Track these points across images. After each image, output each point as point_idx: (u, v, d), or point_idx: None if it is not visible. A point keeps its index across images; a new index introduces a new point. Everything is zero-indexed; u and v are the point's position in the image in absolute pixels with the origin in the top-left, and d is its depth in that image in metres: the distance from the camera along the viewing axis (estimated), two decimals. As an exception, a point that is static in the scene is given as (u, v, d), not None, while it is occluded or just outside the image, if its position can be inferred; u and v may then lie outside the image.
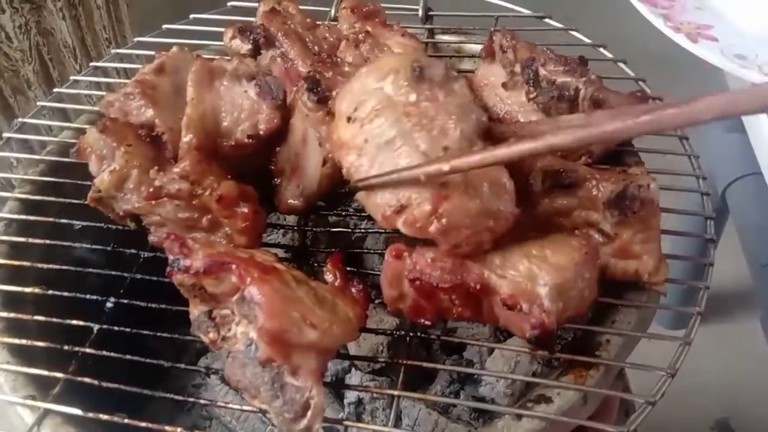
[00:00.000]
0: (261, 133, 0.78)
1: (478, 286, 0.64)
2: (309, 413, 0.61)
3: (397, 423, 0.83)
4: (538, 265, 0.63)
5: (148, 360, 0.71)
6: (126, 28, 2.06)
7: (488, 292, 0.64)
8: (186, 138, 0.75)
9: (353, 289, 0.70)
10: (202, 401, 0.70)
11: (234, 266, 0.64)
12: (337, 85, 0.77)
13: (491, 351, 0.92)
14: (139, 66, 0.88)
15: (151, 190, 0.71)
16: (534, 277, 0.63)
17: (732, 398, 1.78)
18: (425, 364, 0.77)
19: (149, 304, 0.75)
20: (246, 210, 0.71)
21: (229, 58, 0.89)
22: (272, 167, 0.82)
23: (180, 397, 0.69)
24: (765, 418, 1.74)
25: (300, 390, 0.61)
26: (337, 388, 0.88)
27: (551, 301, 0.61)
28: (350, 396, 0.89)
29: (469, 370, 0.87)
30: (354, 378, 0.91)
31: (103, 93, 0.95)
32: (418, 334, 0.76)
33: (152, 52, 0.97)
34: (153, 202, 0.71)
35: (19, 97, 1.85)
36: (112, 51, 1.07)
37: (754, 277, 1.42)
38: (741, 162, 1.46)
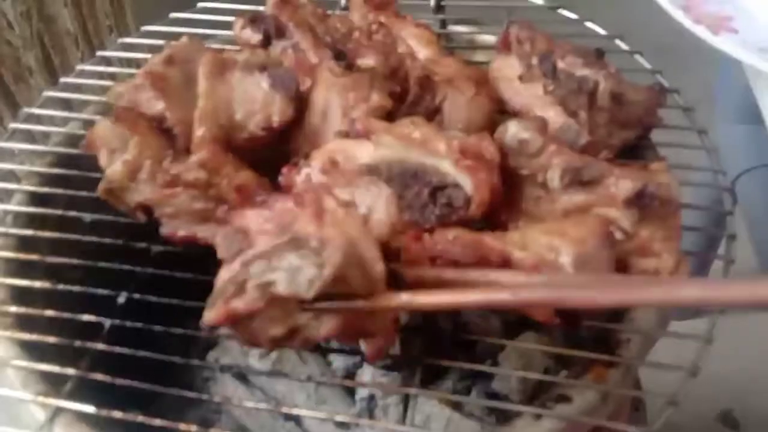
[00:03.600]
0: (275, 125, 0.77)
1: (501, 261, 0.64)
2: None
3: (413, 420, 0.83)
4: (558, 239, 0.64)
5: (160, 356, 0.70)
6: (128, 16, 2.03)
7: (509, 268, 0.64)
8: (199, 131, 0.74)
9: None
10: (216, 399, 0.70)
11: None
12: (359, 54, 0.77)
13: (503, 346, 0.91)
14: (146, 55, 0.87)
15: (168, 178, 0.70)
16: (556, 249, 0.63)
17: (737, 390, 1.77)
18: (445, 363, 0.76)
19: (161, 299, 0.74)
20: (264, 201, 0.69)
21: (238, 48, 0.88)
22: (289, 147, 0.81)
23: (194, 395, 0.68)
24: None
25: None
26: (351, 386, 0.87)
27: (575, 269, 0.61)
28: (362, 391, 0.89)
29: (487, 369, 0.86)
30: (365, 373, 0.90)
31: (110, 83, 0.94)
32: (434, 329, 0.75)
33: (159, 42, 0.95)
34: (168, 191, 0.70)
35: (20, 84, 1.83)
36: (118, 40, 1.06)
37: (763, 270, 1.41)
38: (750, 154, 1.45)
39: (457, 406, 0.88)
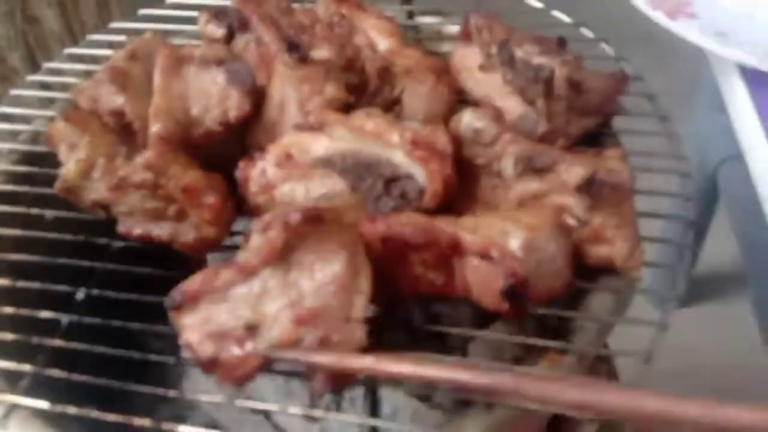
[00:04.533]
0: (231, 120, 0.77)
1: (450, 244, 0.64)
2: None
3: (375, 411, 0.83)
4: (510, 225, 0.65)
5: (116, 352, 0.70)
6: (113, 14, 2.04)
7: (460, 251, 0.65)
8: (154, 128, 0.74)
9: None
10: (170, 393, 0.69)
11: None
12: (314, 46, 0.77)
13: (474, 336, 0.91)
14: (112, 52, 0.87)
15: (114, 180, 0.70)
16: (506, 233, 0.64)
17: (723, 379, 1.76)
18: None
19: (119, 295, 0.74)
20: (212, 200, 0.69)
21: (200, 44, 0.88)
22: (248, 142, 0.81)
23: (148, 389, 0.68)
24: (756, 399, 1.73)
25: None
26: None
27: (523, 252, 0.62)
28: (329, 384, 0.88)
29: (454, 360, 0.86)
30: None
31: (77, 81, 0.94)
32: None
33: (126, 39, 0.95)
34: (118, 192, 0.70)
35: (5, 85, 1.83)
36: (87, 37, 1.06)
37: (745, 258, 1.40)
38: (732, 142, 1.44)
39: (424, 398, 0.88)
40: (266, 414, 0.88)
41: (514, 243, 0.62)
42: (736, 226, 1.40)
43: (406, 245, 0.64)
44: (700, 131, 1.48)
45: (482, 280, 0.63)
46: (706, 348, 1.67)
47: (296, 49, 0.75)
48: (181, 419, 0.93)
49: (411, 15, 1.06)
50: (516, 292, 0.61)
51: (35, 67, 1.84)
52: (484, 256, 0.62)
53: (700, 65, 1.60)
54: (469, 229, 0.65)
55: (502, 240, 0.63)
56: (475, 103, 0.84)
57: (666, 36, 0.89)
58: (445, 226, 0.66)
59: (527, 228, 0.64)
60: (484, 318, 0.95)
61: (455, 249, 0.64)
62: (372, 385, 0.81)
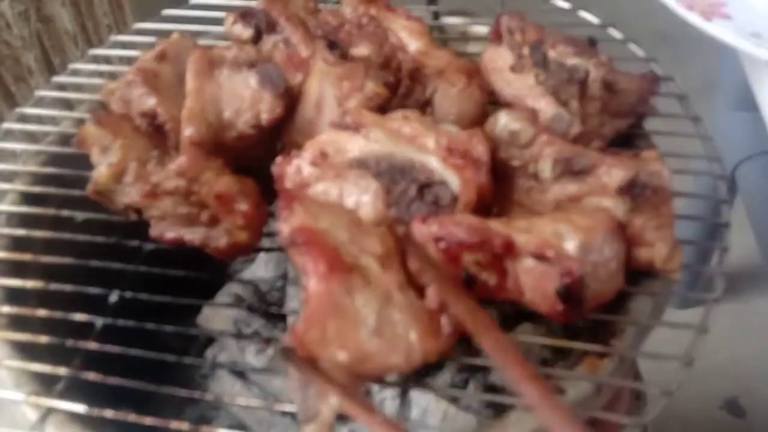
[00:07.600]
0: (264, 123, 0.77)
1: (504, 244, 0.64)
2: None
3: (405, 414, 0.82)
4: (565, 227, 0.64)
5: (152, 355, 0.70)
6: (127, 14, 2.03)
7: (514, 252, 0.64)
8: (186, 131, 0.73)
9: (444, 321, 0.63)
10: (207, 397, 0.69)
11: (306, 251, 0.61)
12: (352, 43, 0.77)
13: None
14: (139, 53, 0.87)
15: (147, 187, 0.69)
16: (561, 235, 0.63)
17: (742, 378, 1.76)
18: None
19: (153, 297, 0.74)
20: (245, 207, 0.69)
21: (228, 45, 0.87)
22: (284, 140, 0.81)
23: (185, 393, 0.68)
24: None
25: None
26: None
27: (579, 252, 0.62)
28: (359, 386, 0.88)
29: (480, 362, 0.85)
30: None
31: (101, 82, 0.93)
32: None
33: (152, 39, 0.95)
34: (151, 198, 0.70)
35: (21, 84, 1.83)
36: (111, 38, 1.05)
37: (764, 257, 1.40)
38: (751, 141, 1.44)
39: (453, 400, 0.88)
40: (293, 416, 0.88)
41: (570, 243, 0.62)
42: (756, 225, 1.40)
43: (459, 245, 0.64)
44: (718, 130, 1.48)
45: (536, 282, 0.63)
46: (723, 346, 1.67)
47: (336, 47, 0.74)
48: (208, 420, 0.93)
49: (437, 15, 1.05)
50: (572, 293, 0.60)
51: (50, 67, 1.85)
52: (539, 256, 0.61)
53: (717, 64, 1.60)
54: (523, 230, 0.64)
55: (557, 241, 0.62)
56: (505, 104, 0.84)
57: (681, 34, 0.89)
58: (497, 227, 0.65)
59: (582, 229, 0.63)
60: (511, 318, 0.95)
61: (509, 249, 0.63)
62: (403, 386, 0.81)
